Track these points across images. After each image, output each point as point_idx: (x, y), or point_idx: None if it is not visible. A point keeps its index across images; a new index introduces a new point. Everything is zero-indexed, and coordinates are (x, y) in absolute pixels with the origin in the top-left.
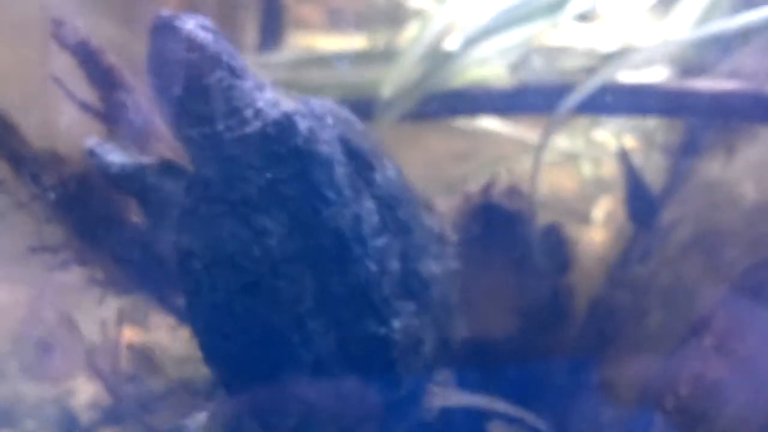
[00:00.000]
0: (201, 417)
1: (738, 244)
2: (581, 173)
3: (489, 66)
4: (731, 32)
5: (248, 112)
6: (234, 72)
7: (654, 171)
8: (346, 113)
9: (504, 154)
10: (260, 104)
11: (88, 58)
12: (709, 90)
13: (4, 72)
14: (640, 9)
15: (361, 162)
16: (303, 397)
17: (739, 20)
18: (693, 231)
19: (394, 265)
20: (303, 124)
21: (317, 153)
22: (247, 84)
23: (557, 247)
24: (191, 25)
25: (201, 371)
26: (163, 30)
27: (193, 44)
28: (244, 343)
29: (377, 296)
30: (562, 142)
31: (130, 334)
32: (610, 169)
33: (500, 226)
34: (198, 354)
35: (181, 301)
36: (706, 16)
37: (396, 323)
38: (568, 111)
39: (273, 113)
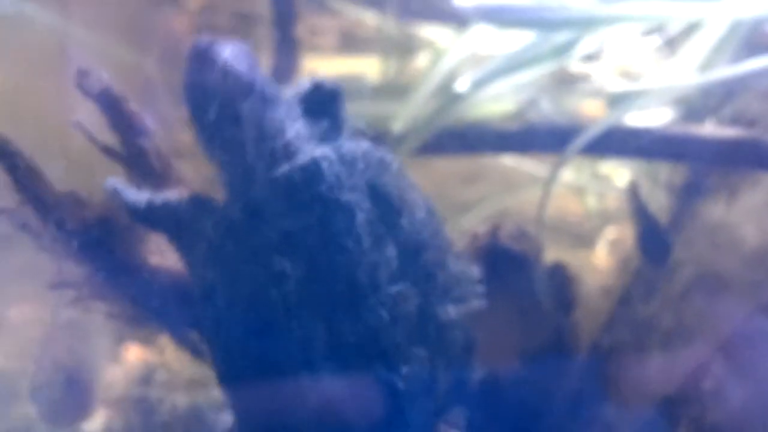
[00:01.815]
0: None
1: (739, 288)
2: (587, 205)
3: (498, 105)
4: (735, 78)
5: (278, 142)
6: (266, 100)
7: (657, 209)
8: (381, 155)
9: (510, 178)
10: (290, 135)
11: (110, 106)
12: (711, 137)
13: (25, 109)
14: (646, 49)
15: (387, 207)
16: None
17: (743, 67)
18: (695, 272)
19: (410, 310)
20: (329, 171)
21: (339, 201)
22: (279, 113)
23: (562, 287)
24: (228, 52)
25: (211, 396)
26: (200, 56)
27: (228, 72)
28: (257, 379)
29: (388, 343)
30: (568, 174)
31: (143, 355)
32: (615, 201)
33: (506, 267)
34: (209, 378)
35: (196, 336)
36: (711, 58)
37: (405, 370)
38: (573, 153)
39: (301, 157)
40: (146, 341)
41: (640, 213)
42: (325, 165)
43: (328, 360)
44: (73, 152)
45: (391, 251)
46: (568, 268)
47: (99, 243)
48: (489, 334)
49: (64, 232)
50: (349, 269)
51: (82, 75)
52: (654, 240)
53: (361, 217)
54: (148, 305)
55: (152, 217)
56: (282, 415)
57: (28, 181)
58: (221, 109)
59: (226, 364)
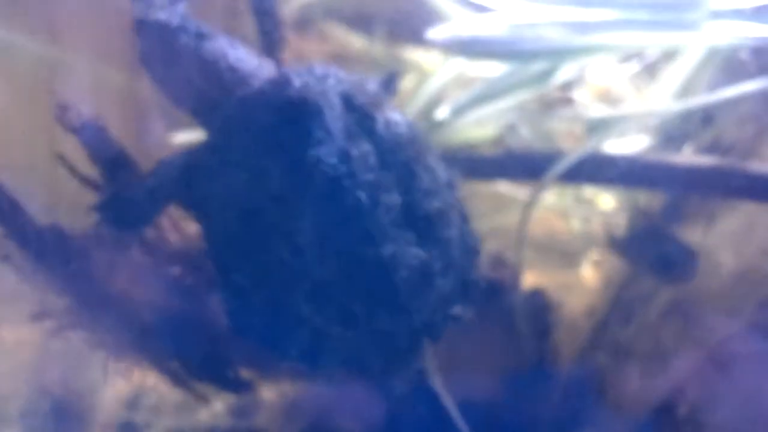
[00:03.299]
0: None
1: (715, 312)
2: (572, 227)
3: (480, 131)
4: (712, 105)
5: (221, 64)
6: (202, 36)
7: None
8: (357, 78)
9: (498, 199)
10: (231, 59)
11: (92, 139)
12: (686, 165)
13: (14, 138)
14: (625, 75)
15: (361, 114)
16: (310, 325)
17: (720, 94)
18: (672, 296)
19: (392, 198)
20: (297, 80)
21: (307, 100)
22: (217, 44)
23: (540, 313)
24: (161, 15)
25: (197, 420)
26: (140, 25)
27: (159, 25)
28: (254, 274)
29: (371, 223)
30: (550, 198)
31: (131, 378)
32: (600, 224)
33: (484, 294)
34: (194, 402)
35: (176, 365)
36: (689, 85)
37: (390, 248)
38: (551, 180)
39: (269, 71)
40: (134, 364)
41: (654, 235)
42: (293, 76)
43: (315, 245)
44: (61, 180)
45: (366, 147)
46: (546, 295)
47: (78, 274)
48: (467, 360)
49: (44, 263)
50: (321, 156)
51: (62, 110)
52: (677, 255)
53: (330, 115)
54: (129, 336)
55: (160, 192)
56: (279, 307)
57: (9, 213)
58: (162, 53)
59: (224, 267)
